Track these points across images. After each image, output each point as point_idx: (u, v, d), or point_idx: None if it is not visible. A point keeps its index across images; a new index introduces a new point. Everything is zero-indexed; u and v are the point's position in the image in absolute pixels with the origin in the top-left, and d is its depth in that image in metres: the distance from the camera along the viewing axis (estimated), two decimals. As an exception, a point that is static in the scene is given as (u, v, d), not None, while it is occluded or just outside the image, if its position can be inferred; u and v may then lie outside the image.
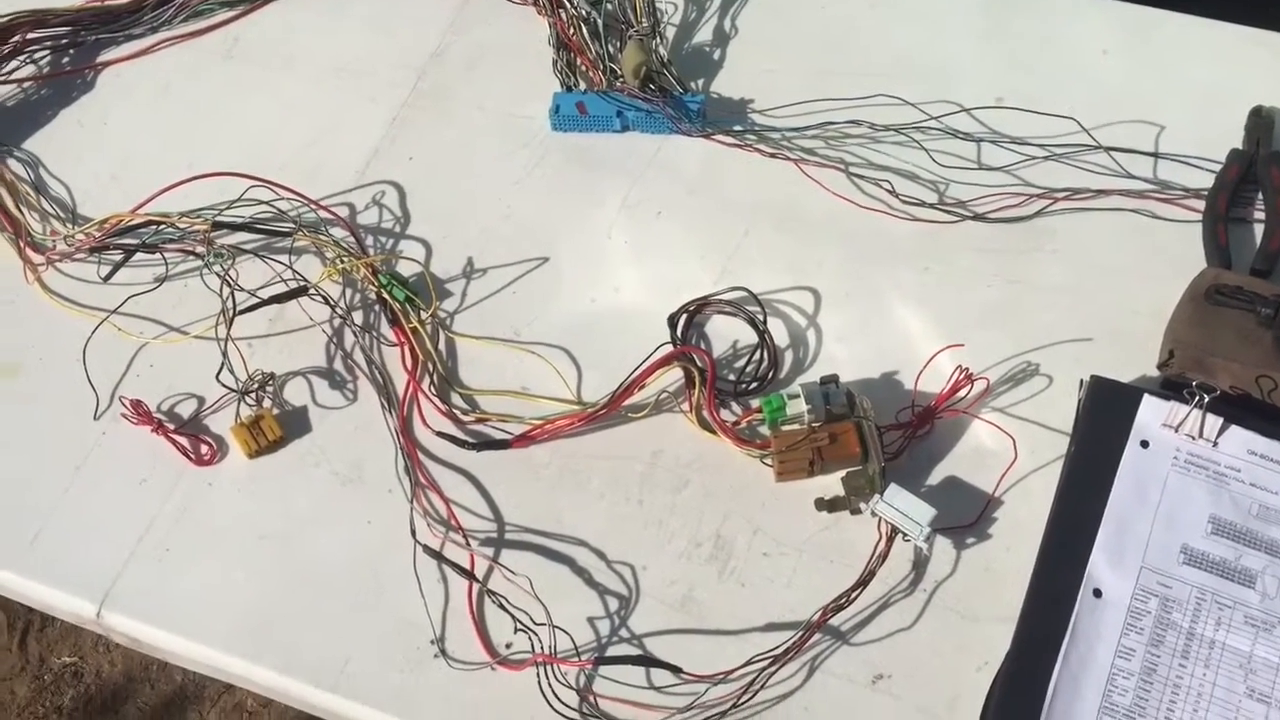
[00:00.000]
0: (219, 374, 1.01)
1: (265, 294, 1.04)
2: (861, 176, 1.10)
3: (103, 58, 1.26)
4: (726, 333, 1.04)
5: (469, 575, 0.92)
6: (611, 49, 1.18)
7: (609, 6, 1.19)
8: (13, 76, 1.23)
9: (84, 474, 1.01)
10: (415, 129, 1.18)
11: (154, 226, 1.07)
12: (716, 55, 1.21)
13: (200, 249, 1.06)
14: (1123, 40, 1.17)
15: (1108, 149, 1.08)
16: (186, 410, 1.04)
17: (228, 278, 1.03)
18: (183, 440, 1.01)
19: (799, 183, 1.11)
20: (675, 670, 0.88)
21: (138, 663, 1.89)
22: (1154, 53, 1.16)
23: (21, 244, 1.12)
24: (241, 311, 1.03)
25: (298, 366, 1.05)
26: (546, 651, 0.88)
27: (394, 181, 1.15)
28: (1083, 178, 1.09)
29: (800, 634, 0.88)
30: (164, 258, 1.08)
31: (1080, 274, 1.04)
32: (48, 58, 1.25)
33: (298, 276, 1.06)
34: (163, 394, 1.05)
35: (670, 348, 1.01)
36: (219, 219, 1.07)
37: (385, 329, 1.07)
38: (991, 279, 1.05)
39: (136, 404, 1.02)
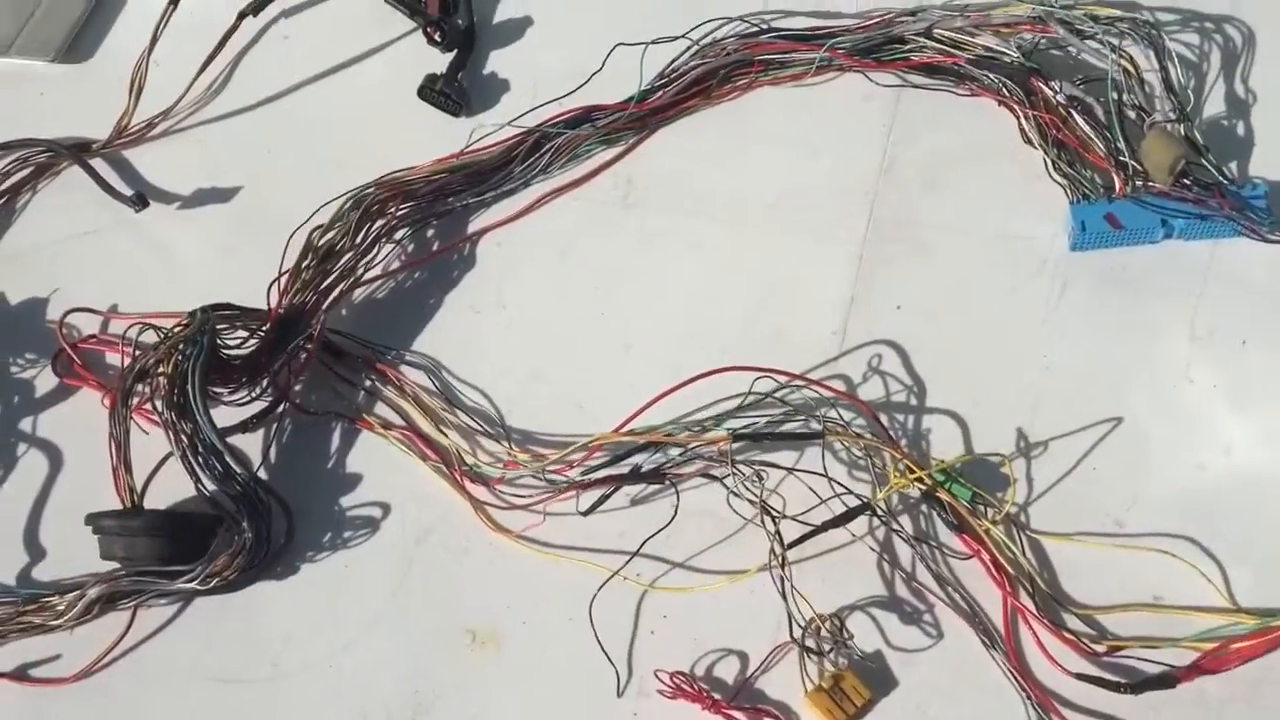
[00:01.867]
0: (791, 629, 0.79)
1: (804, 515, 0.83)
2: None
3: (475, 225, 1.04)
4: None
5: None
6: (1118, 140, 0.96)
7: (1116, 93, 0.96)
8: (380, 264, 1.01)
9: (625, 777, 0.80)
10: (890, 269, 0.97)
11: (653, 448, 0.85)
12: (1244, 128, 0.98)
13: (718, 469, 0.84)
14: None
15: None
16: (728, 673, 0.82)
17: (765, 503, 0.81)
18: (741, 716, 0.80)
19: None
20: None
21: None
22: None
23: (456, 475, 0.91)
24: (795, 544, 0.81)
25: (850, 600, 0.83)
26: None
27: (888, 340, 0.93)
28: None
29: None
30: (674, 487, 0.86)
31: None
32: (407, 234, 1.04)
33: (841, 490, 0.84)
34: (690, 654, 0.83)
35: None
36: (739, 431, 0.84)
37: (945, 537, 0.84)
38: None
39: (676, 676, 0.80)
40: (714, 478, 0.85)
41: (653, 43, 1.07)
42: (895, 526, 0.84)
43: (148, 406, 0.91)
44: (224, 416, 0.92)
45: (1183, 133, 0.94)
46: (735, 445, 0.84)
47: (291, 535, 0.90)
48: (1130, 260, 0.94)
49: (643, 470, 0.85)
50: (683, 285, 0.99)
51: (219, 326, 0.92)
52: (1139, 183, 0.94)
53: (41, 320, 1.04)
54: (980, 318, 0.93)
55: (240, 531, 0.87)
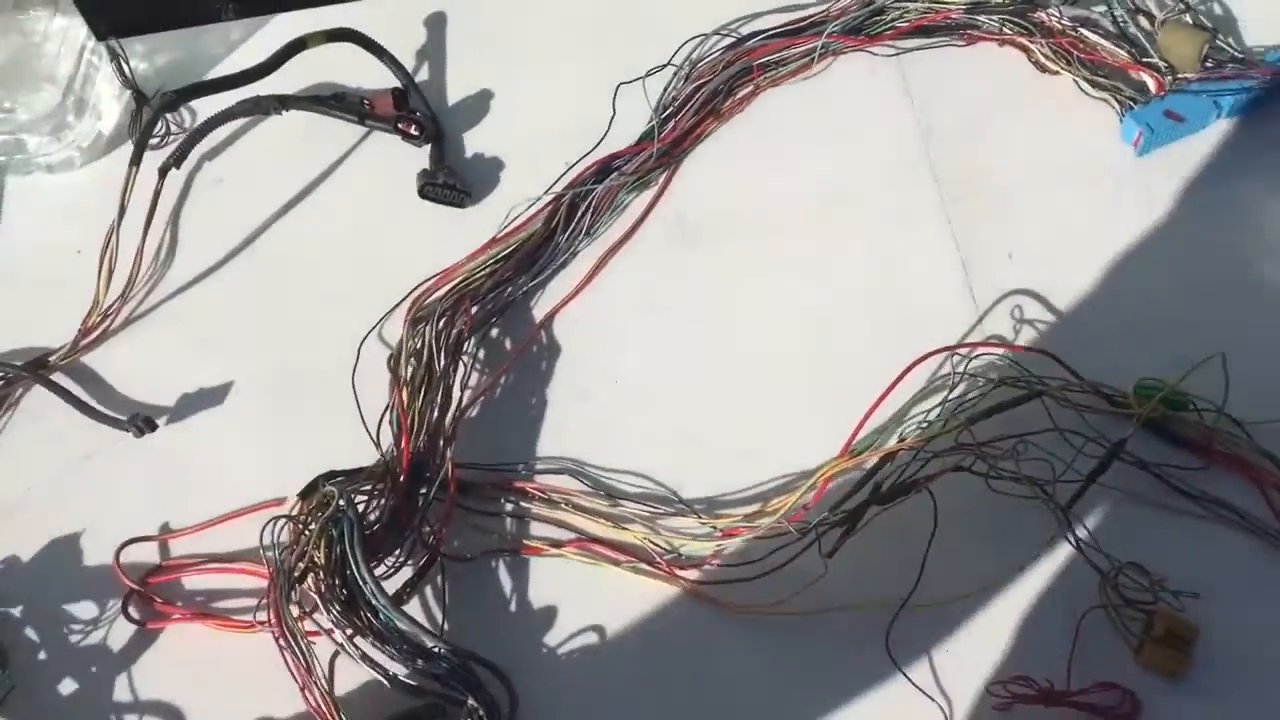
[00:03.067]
0: (1103, 588, 0.75)
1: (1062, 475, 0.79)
2: None
3: (540, 310, 0.95)
4: None
5: None
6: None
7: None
8: (461, 381, 0.91)
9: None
10: (985, 223, 0.95)
11: (889, 461, 0.79)
12: (1220, 6, 1.03)
13: (965, 460, 0.79)
14: None
15: None
16: (1043, 662, 0.77)
17: (1028, 476, 0.77)
18: (1085, 699, 0.75)
19: None
20: None
21: None
22: None
23: (663, 567, 0.82)
24: (1072, 501, 0.78)
25: (1126, 546, 0.80)
26: None
27: (1020, 289, 0.91)
28: None
29: None
30: (929, 492, 0.80)
31: None
32: (472, 342, 0.93)
33: (1080, 439, 0.80)
34: (998, 656, 0.78)
35: None
36: (973, 414, 0.80)
37: (1171, 455, 0.83)
38: None
39: (1021, 684, 0.75)
40: (963, 469, 0.79)
41: (647, 75, 1.01)
42: (1144, 461, 0.82)
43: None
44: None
45: (1191, 21, 0.97)
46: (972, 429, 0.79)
47: (515, 701, 0.78)
48: (1191, 150, 0.96)
49: (887, 488, 0.79)
50: (785, 303, 0.93)
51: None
52: (1170, 78, 0.96)
53: (75, 570, 0.87)
54: (1089, 242, 0.93)
55: (471, 711, 0.75)
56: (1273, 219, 0.92)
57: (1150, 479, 0.81)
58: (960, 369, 0.84)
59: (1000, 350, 0.86)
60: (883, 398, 0.80)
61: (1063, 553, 0.79)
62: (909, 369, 0.80)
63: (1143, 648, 0.76)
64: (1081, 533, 0.79)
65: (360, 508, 0.81)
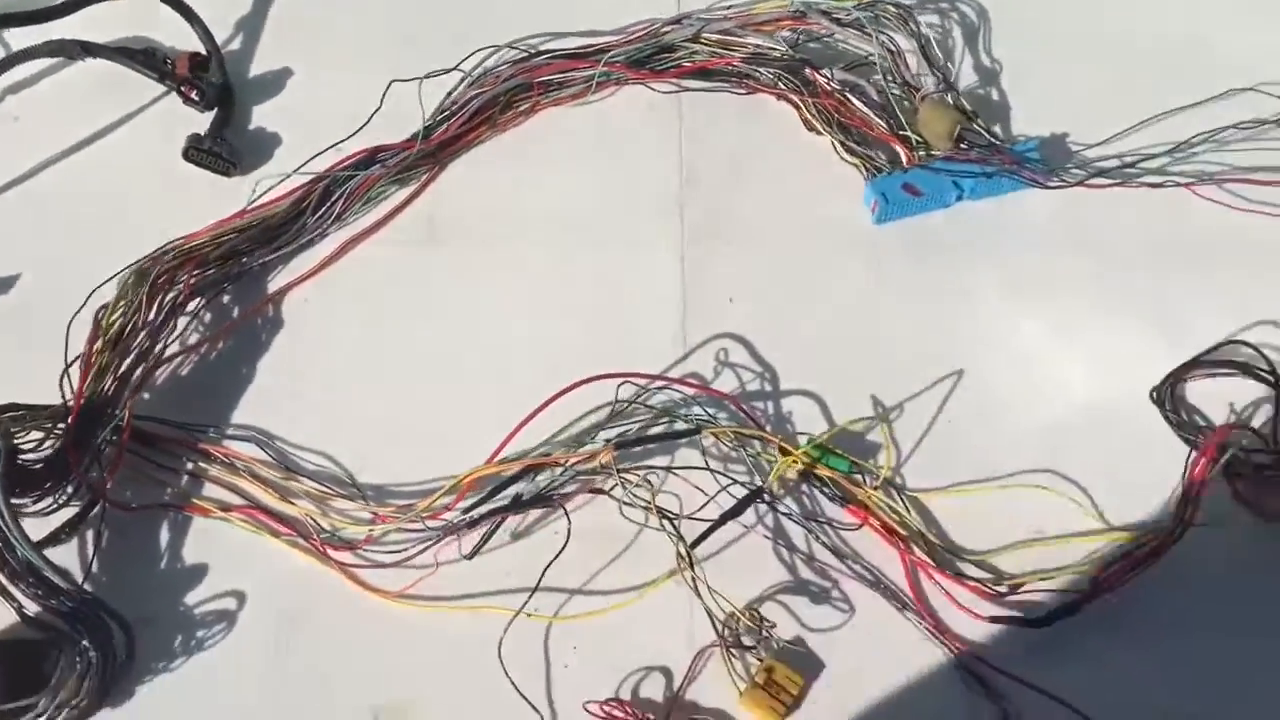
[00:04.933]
0: (715, 628, 0.78)
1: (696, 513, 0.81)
2: (1258, 182, 0.97)
3: (275, 284, 0.97)
4: (1214, 398, 0.89)
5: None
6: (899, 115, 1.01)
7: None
8: (179, 340, 0.93)
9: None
10: (714, 267, 0.97)
11: (532, 473, 0.81)
12: (998, 94, 1.05)
13: (604, 483, 0.81)
14: None
15: None
16: (654, 691, 0.80)
17: (659, 508, 0.80)
18: (683, 734, 0.77)
19: (1187, 206, 0.97)
20: None
21: None
22: None
23: (315, 544, 0.84)
24: (698, 541, 0.79)
25: (756, 592, 0.83)
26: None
27: (730, 333, 0.94)
28: None
29: None
30: (563, 508, 0.82)
31: None
32: (202, 304, 0.95)
33: (726, 481, 0.83)
34: (613, 680, 0.80)
35: (1176, 432, 0.84)
36: (618, 440, 0.82)
37: (832, 511, 0.85)
38: None
39: (611, 706, 0.77)
40: (601, 491, 0.82)
41: (427, 76, 1.03)
42: (786, 509, 0.84)
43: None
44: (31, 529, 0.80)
45: (951, 101, 1.00)
46: (615, 455, 0.81)
47: (132, 651, 0.79)
48: (928, 226, 0.98)
49: (525, 498, 0.81)
50: (510, 313, 0.95)
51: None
52: (922, 153, 0.99)
53: None
54: (810, 299, 0.96)
55: (82, 651, 0.77)
56: (984, 309, 0.94)
57: (805, 530, 0.84)
58: (639, 399, 0.86)
59: (682, 386, 0.88)
60: (535, 414, 0.83)
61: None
62: (565, 391, 0.83)
63: (744, 691, 0.78)
64: (715, 571, 0.81)
65: (32, 445, 0.83)
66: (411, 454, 0.88)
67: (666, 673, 0.80)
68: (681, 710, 0.78)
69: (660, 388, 0.88)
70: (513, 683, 0.78)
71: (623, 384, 0.86)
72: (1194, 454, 0.83)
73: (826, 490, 0.86)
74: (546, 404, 0.83)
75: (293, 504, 0.85)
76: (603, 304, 0.95)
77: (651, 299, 0.95)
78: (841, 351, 0.93)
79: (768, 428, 0.88)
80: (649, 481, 0.80)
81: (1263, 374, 0.88)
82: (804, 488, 0.87)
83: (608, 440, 0.82)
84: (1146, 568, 0.81)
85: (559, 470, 0.81)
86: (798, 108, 1.03)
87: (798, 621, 0.82)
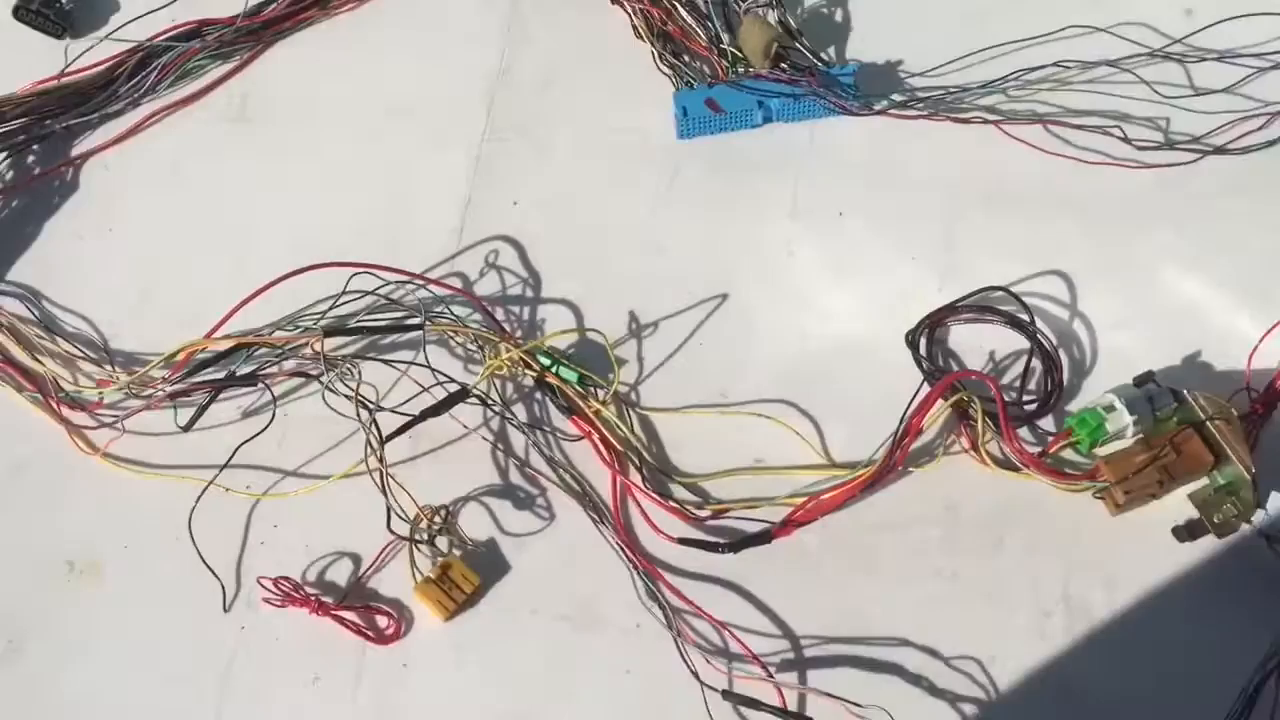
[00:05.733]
0: (389, 522, 0.78)
1: (409, 408, 0.81)
2: (1069, 125, 0.92)
3: (79, 148, 0.99)
4: (975, 345, 0.86)
5: (791, 716, 0.72)
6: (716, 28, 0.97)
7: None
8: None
9: (234, 685, 0.77)
10: (507, 168, 0.96)
11: (244, 351, 0.82)
12: (842, 14, 1.01)
13: (314, 368, 0.82)
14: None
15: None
16: (341, 576, 0.81)
17: (361, 397, 0.80)
18: (352, 616, 0.78)
19: (998, 148, 0.92)
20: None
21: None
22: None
23: (53, 403, 0.86)
24: (391, 436, 0.79)
25: (465, 491, 0.83)
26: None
27: (504, 235, 0.93)
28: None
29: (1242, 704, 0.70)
30: (268, 388, 0.83)
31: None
32: (7, 161, 0.97)
33: (443, 379, 0.82)
34: (303, 562, 0.81)
35: (924, 376, 0.81)
36: (330, 326, 0.82)
37: (559, 421, 0.84)
38: (1264, 219, 0.88)
39: (280, 582, 0.78)
40: (309, 376, 0.82)
41: (261, -47, 1.03)
42: (506, 414, 0.84)
43: None
44: None
45: (776, 18, 0.96)
46: (335, 344, 0.81)
47: None
48: (735, 144, 0.95)
49: (235, 375, 0.82)
50: (299, 197, 0.96)
51: None
52: (739, 69, 0.96)
53: None
54: (595, 208, 0.94)
55: None
56: (766, 235, 0.91)
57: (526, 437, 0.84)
58: (378, 290, 0.86)
59: (423, 282, 0.88)
60: (253, 296, 0.84)
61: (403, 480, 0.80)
62: (288, 276, 0.84)
63: (418, 584, 0.78)
64: (430, 466, 0.81)
65: None
66: (170, 326, 0.88)
67: (356, 560, 0.81)
68: (359, 596, 0.79)
69: (417, 286, 0.88)
70: (198, 550, 0.80)
71: (358, 273, 0.86)
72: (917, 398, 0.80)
73: (557, 401, 0.85)
74: (266, 288, 0.84)
75: (41, 362, 0.87)
76: (393, 193, 0.95)
77: (439, 193, 0.95)
78: (614, 264, 0.91)
79: (518, 334, 0.88)
80: (351, 370, 0.80)
81: (1023, 324, 0.84)
82: (538, 396, 0.86)
83: (323, 327, 0.82)
84: (844, 505, 0.79)
85: (273, 351, 0.82)
86: (629, 14, 1.00)
87: (496, 524, 0.82)
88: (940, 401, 0.79)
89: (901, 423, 0.79)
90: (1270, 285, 0.85)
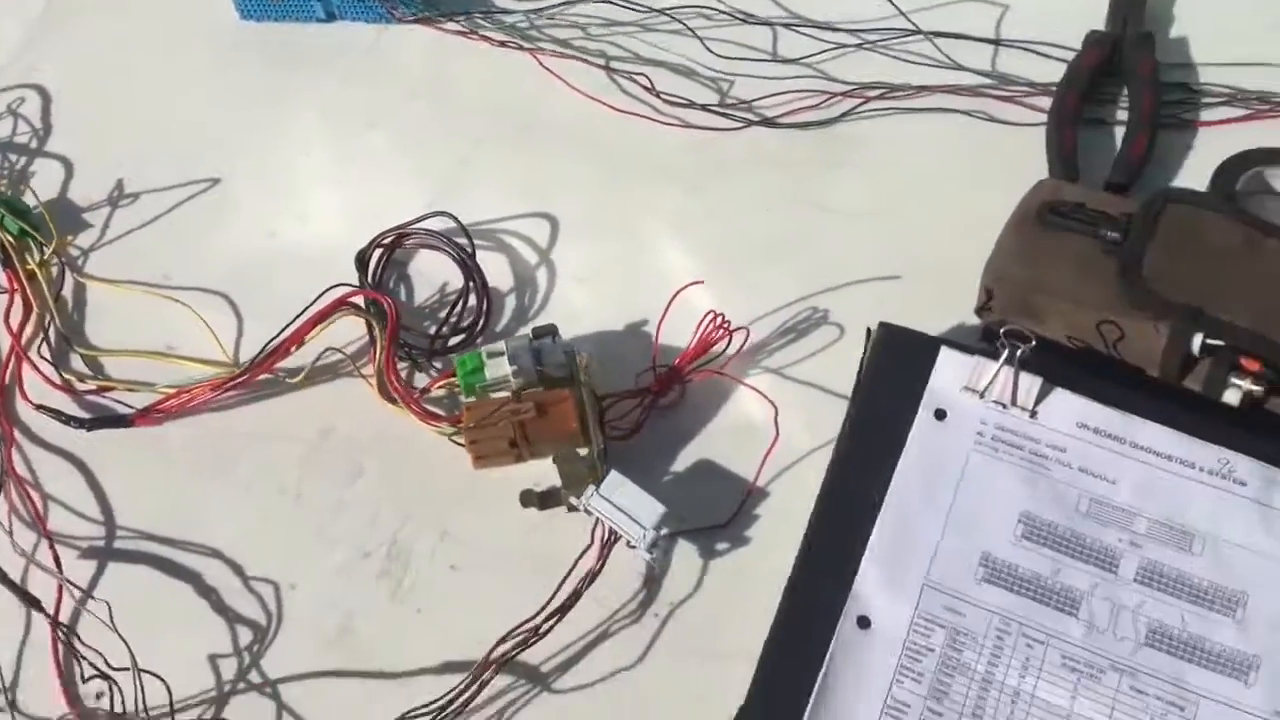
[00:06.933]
0: None
1: None
2: (621, 72, 0.86)
3: None
4: (434, 274, 0.80)
5: (33, 603, 0.68)
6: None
7: None
8: None
9: None
10: (75, 21, 0.93)
11: None
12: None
13: None
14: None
15: (931, 34, 0.85)
16: None
17: None
18: None
19: (542, 81, 0.86)
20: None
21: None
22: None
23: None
24: None
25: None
26: (132, 706, 0.64)
27: (38, 85, 0.90)
28: (901, 71, 0.85)
29: (469, 681, 0.64)
30: None
31: (892, 194, 0.81)
32: None
33: None
34: None
35: (344, 290, 0.76)
36: None
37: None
38: (778, 200, 0.81)
39: None
40: None
41: None
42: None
43: None
44: None
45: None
46: None
47: None
48: (301, 37, 0.91)
49: None
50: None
51: None
52: (331, -41, 0.91)
53: None
54: (134, 73, 0.91)
55: None
56: (289, 131, 0.87)
57: None
58: None
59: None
60: None
61: None
62: None
63: None
64: None
65: None
66: None
67: None
68: None
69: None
70: None
71: None
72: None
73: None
74: None
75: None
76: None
77: (-6, 33, 0.92)
78: (127, 131, 0.88)
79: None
80: None
81: (464, 257, 0.78)
82: (-10, 245, 0.83)
83: None
84: (210, 404, 0.75)
85: None
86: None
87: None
88: (346, 315, 0.74)
89: (280, 332, 0.74)
90: (745, 264, 0.78)
